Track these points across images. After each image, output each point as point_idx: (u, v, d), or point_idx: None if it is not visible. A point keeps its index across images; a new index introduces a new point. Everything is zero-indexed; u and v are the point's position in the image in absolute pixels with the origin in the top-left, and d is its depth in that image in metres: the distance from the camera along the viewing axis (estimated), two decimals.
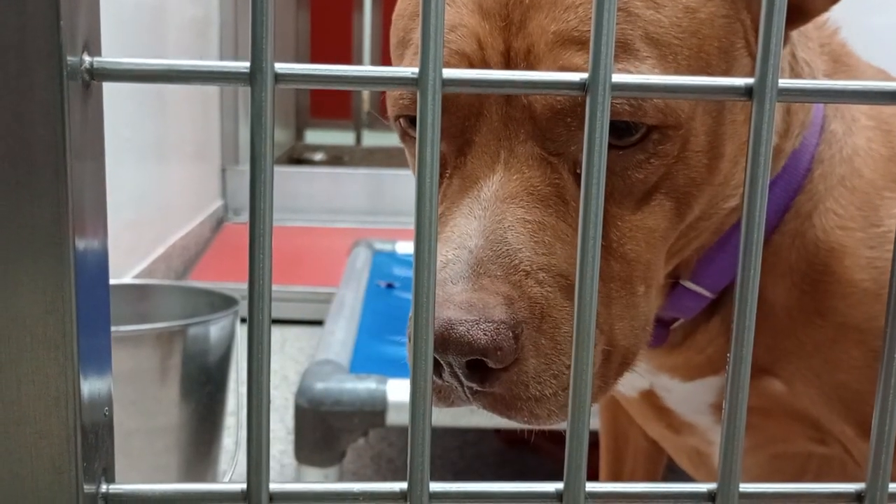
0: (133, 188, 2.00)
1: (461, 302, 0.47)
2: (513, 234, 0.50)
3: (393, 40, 0.60)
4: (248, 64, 0.31)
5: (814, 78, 0.65)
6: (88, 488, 0.33)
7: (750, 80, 0.33)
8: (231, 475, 1.32)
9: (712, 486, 0.35)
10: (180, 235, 2.46)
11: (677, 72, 0.52)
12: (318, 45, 4.49)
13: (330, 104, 4.62)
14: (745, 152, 0.57)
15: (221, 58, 3.01)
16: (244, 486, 0.34)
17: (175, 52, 2.42)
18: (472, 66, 0.52)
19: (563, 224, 0.52)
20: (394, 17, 0.61)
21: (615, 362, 0.55)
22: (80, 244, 0.31)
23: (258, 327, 0.33)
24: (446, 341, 0.47)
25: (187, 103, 2.64)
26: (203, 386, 1.15)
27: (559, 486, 0.35)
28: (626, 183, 0.53)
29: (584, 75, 0.33)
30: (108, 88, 0.34)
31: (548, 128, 0.52)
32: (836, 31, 0.71)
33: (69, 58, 0.30)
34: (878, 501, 0.36)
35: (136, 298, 1.30)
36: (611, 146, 0.52)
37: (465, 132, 0.54)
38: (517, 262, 0.49)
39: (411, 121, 0.59)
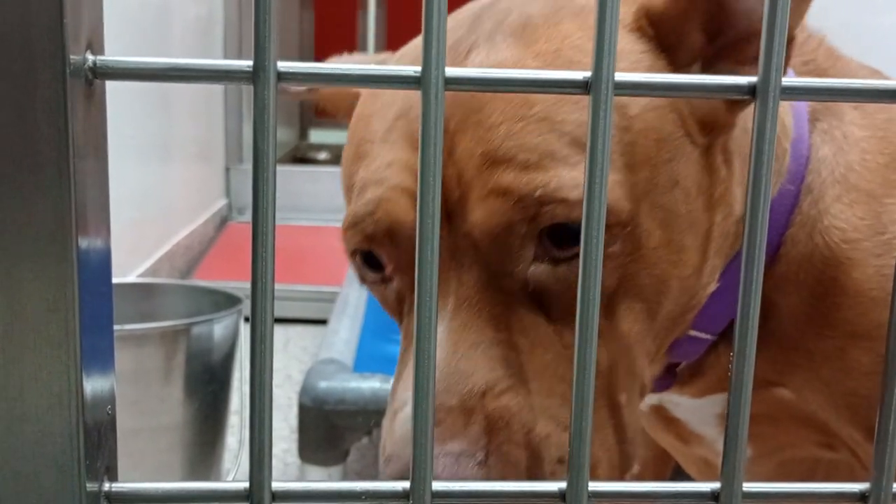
0: (137, 187, 2.00)
1: None
2: (465, 361, 0.49)
3: (342, 185, 0.62)
4: (250, 62, 0.31)
5: (783, 129, 0.64)
6: (91, 487, 0.33)
7: (753, 79, 0.33)
8: (235, 474, 1.32)
9: (716, 485, 0.35)
10: (184, 234, 2.46)
11: (613, 168, 0.51)
12: (322, 44, 4.49)
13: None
14: (711, 240, 0.58)
15: (226, 56, 3.01)
16: (247, 484, 0.34)
17: (179, 50, 2.42)
18: (411, 198, 0.52)
19: (517, 336, 0.51)
20: (341, 164, 0.62)
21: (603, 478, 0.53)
22: (83, 243, 0.31)
23: (261, 326, 0.33)
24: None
25: (191, 102, 2.65)
26: (207, 385, 1.15)
27: (562, 485, 0.35)
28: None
29: (587, 74, 0.33)
30: (112, 87, 0.34)
31: (490, 251, 0.51)
32: (821, 41, 0.71)
33: (72, 56, 0.30)
34: (881, 501, 0.36)
35: (139, 297, 1.30)
36: (557, 259, 0.51)
37: (412, 265, 0.54)
38: (471, 387, 0.48)
39: (367, 260, 0.58)
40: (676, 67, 0.56)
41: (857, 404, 0.65)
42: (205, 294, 1.30)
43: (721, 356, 0.68)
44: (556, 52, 0.53)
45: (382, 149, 0.55)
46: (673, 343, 0.64)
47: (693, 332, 0.66)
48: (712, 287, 0.60)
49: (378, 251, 0.56)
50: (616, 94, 0.32)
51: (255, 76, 0.31)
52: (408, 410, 0.49)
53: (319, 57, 4.35)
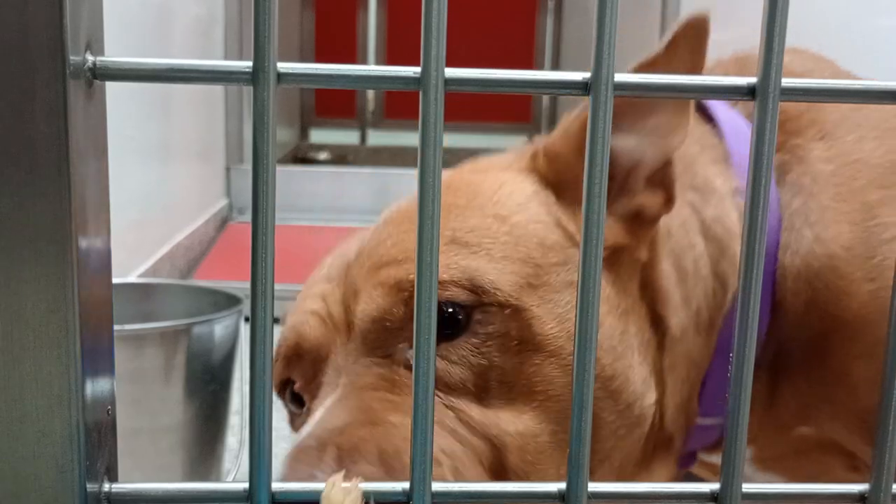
0: (137, 187, 2.00)
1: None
2: (332, 417, 0.52)
3: None
4: (250, 63, 0.31)
5: (728, 233, 0.65)
6: (91, 487, 0.33)
7: (752, 80, 0.33)
8: (235, 474, 1.32)
9: (715, 486, 0.35)
10: (185, 234, 2.46)
11: (491, 259, 0.55)
12: (322, 44, 4.49)
13: (335, 103, 4.62)
14: (631, 348, 0.59)
15: (226, 57, 3.01)
16: (247, 485, 0.34)
17: (180, 51, 2.42)
18: (321, 319, 0.58)
19: (393, 396, 0.53)
20: None
21: None
22: (83, 243, 0.31)
23: (261, 326, 0.33)
24: None
25: (191, 103, 2.65)
26: (207, 385, 1.15)
27: (562, 486, 0.35)
28: (474, 374, 0.54)
29: (587, 75, 0.33)
30: (112, 88, 0.34)
31: (373, 337, 0.55)
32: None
33: (72, 57, 0.30)
34: (881, 502, 0.36)
35: (140, 297, 1.30)
36: (443, 337, 0.54)
37: (316, 376, 0.57)
38: (330, 427, 0.51)
39: (294, 397, 0.62)
40: (568, 206, 0.60)
41: (870, 422, 0.65)
42: (205, 294, 1.30)
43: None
44: (455, 177, 0.62)
45: (308, 289, 0.61)
46: (689, 436, 0.66)
47: (706, 421, 0.67)
48: (652, 398, 0.60)
49: (294, 375, 0.60)
50: (616, 95, 0.32)
51: (254, 77, 0.31)
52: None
53: (320, 57, 4.36)
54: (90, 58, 0.31)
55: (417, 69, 0.31)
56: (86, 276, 0.32)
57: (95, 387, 0.33)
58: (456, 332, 0.54)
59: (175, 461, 1.15)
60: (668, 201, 0.61)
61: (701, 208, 0.66)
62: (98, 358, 0.34)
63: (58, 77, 0.29)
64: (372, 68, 0.32)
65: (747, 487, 0.35)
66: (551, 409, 0.54)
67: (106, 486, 0.34)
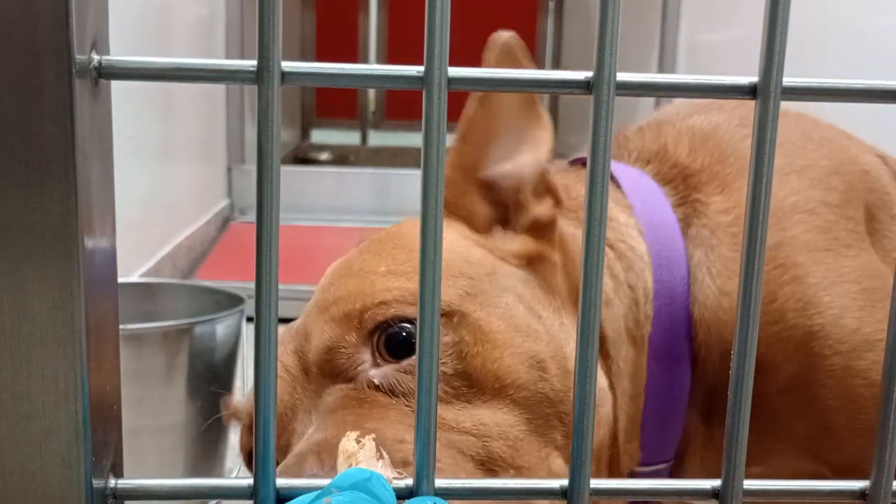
0: (139, 187, 2.00)
1: None
2: (312, 437, 0.53)
3: None
4: (255, 62, 0.31)
5: (633, 251, 0.68)
6: (97, 483, 0.33)
7: (754, 79, 0.33)
8: (237, 473, 1.32)
9: (716, 482, 0.35)
10: (186, 234, 2.47)
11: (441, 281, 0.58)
12: (323, 45, 4.49)
13: (336, 104, 4.62)
14: (568, 334, 0.60)
15: (227, 57, 3.01)
16: (251, 481, 0.34)
17: (181, 51, 2.42)
18: (284, 384, 0.58)
19: (361, 409, 0.54)
20: None
21: None
22: (89, 242, 0.32)
23: (265, 326, 0.33)
24: None
25: (193, 103, 2.65)
26: (209, 384, 1.16)
27: (564, 482, 0.35)
28: (443, 381, 0.55)
29: (589, 74, 0.33)
30: (113, 88, 0.34)
31: (330, 366, 0.57)
32: (678, 138, 0.75)
33: (78, 56, 0.30)
34: (881, 499, 0.36)
35: (142, 297, 1.30)
36: (397, 360, 0.56)
37: (291, 433, 0.58)
38: (310, 441, 0.52)
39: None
40: (479, 231, 0.64)
41: (812, 445, 0.68)
42: (207, 294, 1.30)
43: (690, 463, 0.70)
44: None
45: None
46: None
47: (642, 469, 0.68)
48: (609, 401, 0.62)
49: None
50: (618, 94, 0.33)
51: (259, 76, 0.31)
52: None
53: (321, 57, 4.35)
54: (96, 57, 0.31)
55: (421, 68, 0.32)
56: (91, 274, 0.32)
57: (101, 384, 0.33)
58: (412, 349, 0.55)
59: (177, 460, 1.15)
60: (558, 203, 0.65)
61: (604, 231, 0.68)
62: (104, 355, 0.34)
63: (64, 76, 0.30)
64: (376, 67, 0.32)
65: (748, 484, 0.35)
66: (522, 398, 0.56)
67: (112, 482, 0.34)
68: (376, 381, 0.55)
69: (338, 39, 4.53)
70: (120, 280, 0.36)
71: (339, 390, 0.56)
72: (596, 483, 0.35)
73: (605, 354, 0.64)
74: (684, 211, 0.70)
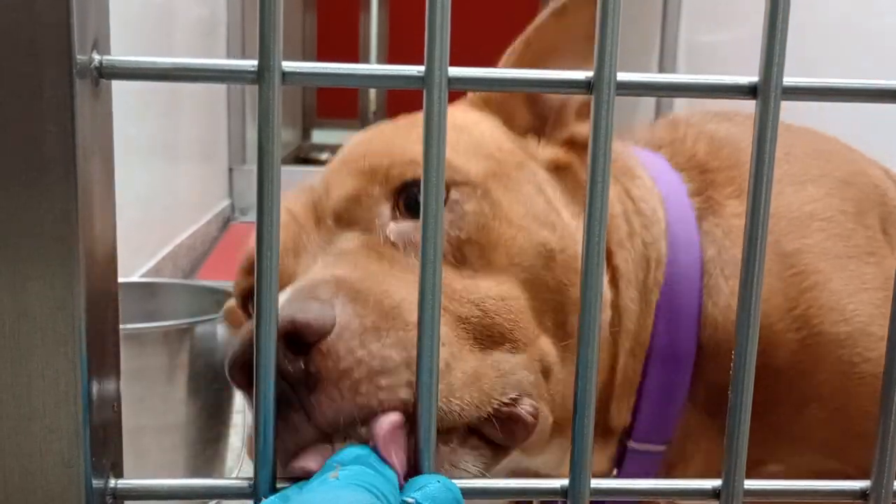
0: (140, 187, 2.00)
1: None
2: (324, 268, 0.52)
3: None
4: (255, 62, 0.31)
5: (654, 214, 0.68)
6: (97, 483, 0.33)
7: (754, 79, 0.33)
8: (237, 473, 1.32)
9: (717, 482, 0.35)
10: (187, 234, 2.47)
11: (457, 153, 0.58)
12: (324, 45, 4.49)
13: (336, 104, 4.63)
14: (577, 234, 0.60)
15: (229, 57, 3.01)
16: (251, 481, 0.34)
17: (182, 51, 2.42)
18: (285, 224, 0.57)
19: (380, 264, 0.53)
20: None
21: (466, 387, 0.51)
22: (89, 242, 0.32)
23: (265, 325, 0.33)
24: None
25: (194, 103, 2.65)
26: (210, 384, 1.16)
27: (564, 482, 0.35)
28: (454, 246, 0.55)
29: (589, 73, 0.33)
30: (116, 88, 0.34)
31: (349, 216, 0.56)
32: (697, 136, 0.74)
33: (79, 56, 0.30)
34: (882, 498, 0.36)
35: (143, 297, 1.30)
36: (416, 218, 0.55)
37: (286, 270, 0.57)
38: (326, 274, 0.50)
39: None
40: (514, 131, 0.65)
41: (836, 447, 0.67)
42: (208, 293, 1.30)
43: (691, 455, 0.69)
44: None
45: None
46: (621, 459, 0.67)
47: (640, 446, 0.68)
48: (608, 312, 0.63)
49: None
50: (618, 94, 0.33)
51: (260, 76, 0.31)
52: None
53: (322, 58, 4.35)
54: (97, 57, 0.31)
55: (421, 68, 0.32)
56: (92, 274, 0.32)
57: (101, 384, 0.33)
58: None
59: (178, 460, 1.15)
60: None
61: (629, 187, 0.69)
62: (104, 355, 0.34)
63: (65, 76, 0.30)
64: (377, 67, 0.32)
65: (749, 484, 0.35)
66: (525, 279, 0.57)
67: (112, 482, 0.34)
68: (392, 237, 0.55)
69: (339, 39, 4.53)
70: (121, 280, 0.36)
71: (354, 237, 0.55)
72: (596, 483, 0.35)
73: (613, 281, 0.64)
74: (699, 203, 0.70)
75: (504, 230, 0.56)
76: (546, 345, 0.57)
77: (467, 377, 0.49)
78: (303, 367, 0.43)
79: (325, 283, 0.48)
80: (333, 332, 0.44)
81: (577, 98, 0.66)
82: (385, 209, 0.56)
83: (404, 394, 0.44)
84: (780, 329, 0.64)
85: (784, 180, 0.69)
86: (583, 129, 0.66)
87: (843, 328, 0.64)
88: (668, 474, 0.71)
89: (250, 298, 0.62)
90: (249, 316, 0.63)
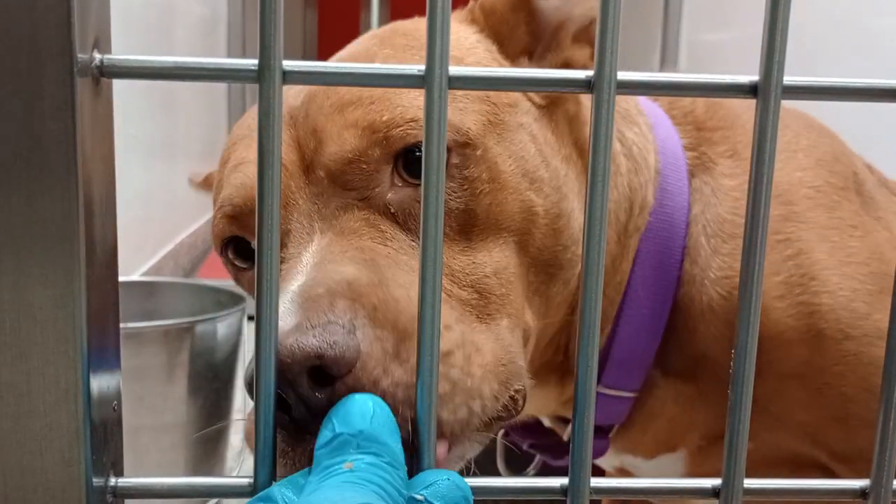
0: (141, 186, 2.00)
1: (289, 328, 0.44)
2: (331, 265, 0.50)
3: (213, 205, 0.63)
4: (256, 61, 0.31)
5: (644, 161, 0.67)
6: (97, 481, 0.33)
7: (755, 78, 0.33)
8: (238, 472, 1.32)
9: (716, 481, 0.36)
10: (188, 233, 2.47)
11: (453, 97, 0.57)
12: (325, 44, 4.49)
13: None
14: (576, 194, 0.60)
15: (229, 56, 3.01)
16: (251, 479, 0.34)
17: (183, 50, 2.42)
18: (284, 167, 0.55)
19: (384, 248, 0.52)
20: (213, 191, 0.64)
21: (489, 381, 0.51)
22: (90, 240, 0.32)
23: (266, 324, 0.33)
24: (279, 364, 0.42)
25: (194, 101, 2.65)
26: (210, 383, 1.16)
27: (564, 481, 0.35)
28: (452, 217, 0.54)
29: (590, 73, 0.33)
30: (116, 87, 0.34)
31: (346, 178, 0.54)
32: (692, 101, 0.74)
33: (80, 55, 0.30)
34: (882, 498, 0.36)
35: (143, 295, 1.30)
36: (417, 185, 0.53)
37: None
38: (338, 277, 0.48)
39: (238, 248, 0.60)
40: (507, 56, 0.63)
41: (812, 431, 0.66)
42: (208, 292, 1.30)
43: (657, 414, 0.69)
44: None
45: (240, 150, 0.59)
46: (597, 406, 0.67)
47: (605, 390, 0.68)
48: (577, 249, 0.62)
49: (242, 231, 0.58)
50: (618, 93, 0.33)
51: (260, 75, 0.31)
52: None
53: (322, 57, 4.35)
54: (97, 56, 0.31)
55: (422, 67, 0.32)
56: (93, 273, 0.32)
57: (102, 382, 0.33)
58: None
59: (178, 459, 1.15)
60: (594, 56, 0.64)
61: (622, 130, 0.68)
62: (104, 354, 0.34)
63: (66, 75, 0.30)
64: (376, 66, 0.32)
65: (749, 483, 0.35)
66: (514, 243, 0.56)
67: (112, 480, 0.34)
68: (392, 208, 0.53)
69: (340, 39, 4.53)
70: (121, 278, 0.36)
71: (351, 206, 0.53)
72: (596, 482, 0.35)
73: None
74: (692, 159, 0.70)
75: (496, 194, 0.55)
76: (528, 315, 0.57)
77: (485, 370, 0.49)
78: (326, 397, 0.43)
79: (340, 294, 0.46)
80: (358, 363, 0.43)
81: (577, 20, 0.63)
82: (384, 174, 0.54)
83: (469, 402, 0.46)
84: (766, 297, 0.64)
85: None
86: (579, 54, 0.63)
87: (826, 300, 0.64)
88: (627, 430, 0.71)
89: (229, 245, 0.60)
90: (234, 266, 0.61)
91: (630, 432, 0.71)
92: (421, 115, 0.53)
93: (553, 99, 0.62)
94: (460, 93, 0.57)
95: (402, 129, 0.53)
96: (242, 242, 0.59)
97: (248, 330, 1.22)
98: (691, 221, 0.67)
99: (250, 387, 0.42)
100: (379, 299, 0.47)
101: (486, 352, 0.50)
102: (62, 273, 0.31)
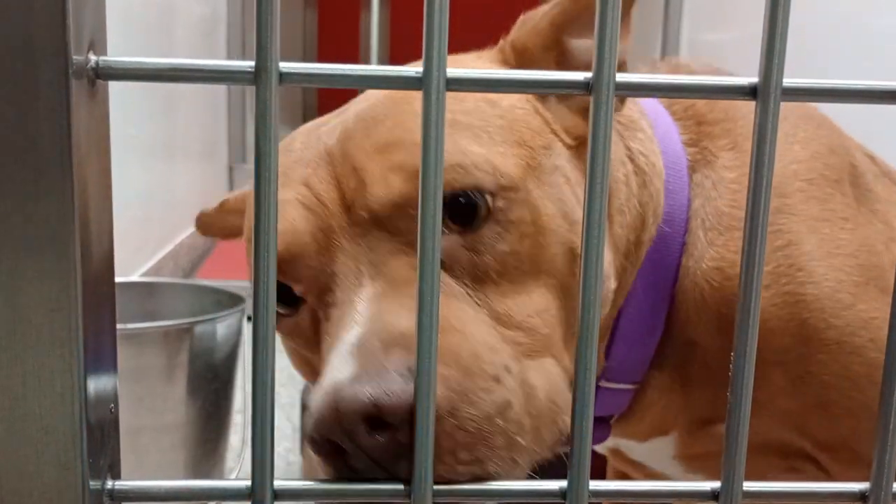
0: (140, 186, 2.00)
1: (346, 378, 0.45)
2: (388, 315, 0.49)
3: (247, 250, 0.63)
4: (252, 63, 0.31)
5: (652, 168, 0.67)
6: (94, 484, 0.33)
7: (754, 80, 0.33)
8: (237, 473, 1.32)
9: (715, 484, 0.35)
10: (188, 233, 2.47)
11: (494, 143, 0.56)
12: (325, 44, 4.49)
13: (336, 103, 4.61)
14: (605, 231, 0.60)
15: (229, 57, 3.01)
16: (249, 482, 0.34)
17: (183, 51, 2.42)
18: (309, 209, 0.55)
19: (447, 309, 0.52)
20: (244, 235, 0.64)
21: (545, 425, 0.52)
22: (86, 242, 0.32)
23: (263, 325, 0.33)
24: (336, 413, 0.43)
25: (195, 102, 2.65)
26: (210, 383, 1.16)
27: (563, 483, 0.35)
28: (498, 261, 0.54)
29: (588, 75, 0.33)
30: (115, 87, 0.34)
31: (393, 223, 0.53)
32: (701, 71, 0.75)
33: (75, 57, 0.30)
34: (881, 501, 0.36)
35: (143, 296, 1.30)
36: (463, 231, 0.54)
37: (324, 274, 0.54)
38: (394, 329, 0.48)
39: (278, 294, 0.59)
40: (538, 96, 0.62)
41: (797, 419, 0.67)
42: (208, 293, 1.30)
43: (654, 403, 0.70)
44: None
45: (280, 192, 0.58)
46: (597, 400, 0.68)
47: (611, 385, 0.69)
48: (613, 285, 0.63)
49: (288, 279, 0.57)
50: (617, 94, 0.33)
51: (257, 77, 0.31)
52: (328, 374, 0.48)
53: (322, 57, 4.36)
54: (93, 58, 0.31)
55: (419, 69, 0.32)
56: (89, 275, 0.32)
57: (98, 384, 0.33)
58: (476, 220, 0.54)
59: (177, 459, 1.15)
60: (623, 99, 0.64)
61: (627, 138, 0.68)
62: (101, 356, 0.34)
63: (61, 77, 0.29)
64: (374, 68, 0.32)
65: (748, 486, 0.35)
66: (555, 286, 0.56)
67: (109, 484, 0.34)
68: (442, 256, 0.52)
69: (339, 38, 4.53)
70: (121, 279, 0.36)
71: (399, 252, 0.53)
72: (595, 485, 0.35)
73: (609, 246, 0.64)
74: (693, 154, 0.70)
75: (538, 237, 0.55)
76: (567, 358, 0.57)
77: (539, 417, 0.50)
78: (386, 440, 0.42)
79: (396, 344, 0.46)
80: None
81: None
82: None
83: (519, 456, 0.46)
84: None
85: None
86: None
87: (811, 290, 0.64)
88: (626, 418, 0.72)
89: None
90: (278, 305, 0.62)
91: (629, 420, 0.73)
92: (466, 159, 0.54)
93: (582, 139, 0.62)
94: (498, 137, 0.57)
95: (448, 175, 0.53)
96: (283, 288, 0.58)
97: (248, 331, 1.22)
98: (691, 216, 0.68)
99: (311, 444, 0.43)
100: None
101: (539, 394, 0.51)
102: (58, 275, 0.31)
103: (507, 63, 0.64)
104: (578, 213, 0.58)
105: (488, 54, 0.65)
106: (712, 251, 0.66)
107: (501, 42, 0.65)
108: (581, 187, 0.60)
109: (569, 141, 0.61)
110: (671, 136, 0.70)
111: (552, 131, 0.61)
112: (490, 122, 0.57)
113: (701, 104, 0.72)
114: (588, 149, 0.33)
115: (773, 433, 0.68)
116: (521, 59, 0.63)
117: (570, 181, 0.59)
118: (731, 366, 0.35)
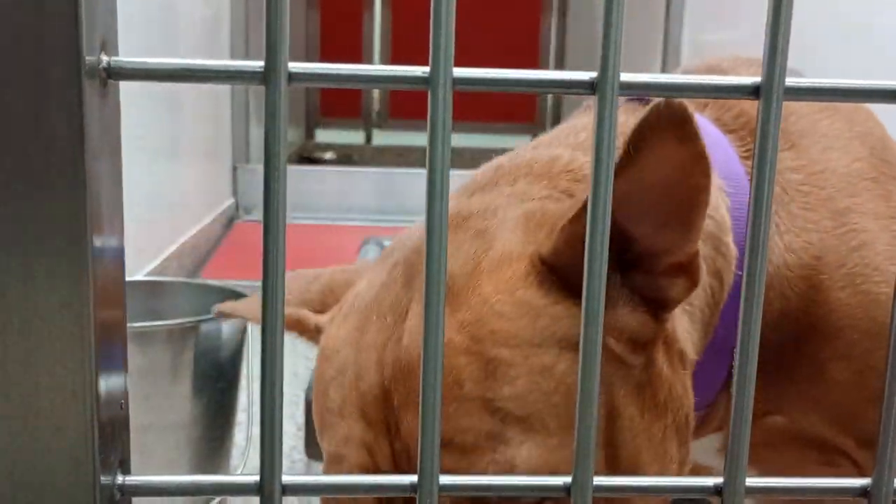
0: (145, 186, 2.01)
1: None
2: None
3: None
4: (262, 63, 0.31)
5: (719, 226, 0.63)
6: (105, 480, 0.33)
7: (757, 79, 0.33)
8: (242, 471, 1.32)
9: (718, 479, 0.36)
10: (192, 233, 2.47)
11: (550, 436, 0.50)
12: (327, 44, 4.49)
13: (340, 103, 4.63)
14: (666, 440, 0.55)
15: (232, 58, 3.01)
16: (257, 477, 0.34)
17: (185, 52, 2.42)
18: (367, 472, 0.54)
19: None
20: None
21: None
22: (97, 240, 0.32)
23: (272, 321, 0.33)
24: None
25: (198, 103, 2.65)
26: (215, 382, 1.16)
27: (567, 479, 0.35)
28: None
29: (593, 74, 0.33)
30: (121, 88, 0.35)
31: None
32: (733, 67, 0.72)
33: (87, 57, 0.30)
34: (883, 496, 0.36)
35: (148, 295, 1.31)
36: None
37: None
38: None
39: None
40: (572, 294, 0.53)
41: (844, 415, 0.68)
42: (212, 292, 1.31)
43: (718, 412, 0.70)
44: (479, 322, 0.53)
45: (340, 423, 0.56)
46: None
47: None
48: (692, 355, 0.61)
49: None
50: (620, 94, 0.33)
51: (266, 77, 0.31)
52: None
53: (325, 58, 4.36)
54: (105, 58, 0.32)
55: (426, 69, 0.32)
56: (100, 273, 0.32)
57: (109, 382, 0.34)
58: None
59: (183, 458, 1.16)
60: (692, 286, 0.55)
61: None
62: (112, 353, 0.34)
63: (73, 77, 0.30)
64: (382, 68, 0.32)
65: (751, 481, 0.36)
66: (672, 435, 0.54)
67: (119, 479, 0.35)
68: None
69: (342, 38, 4.54)
70: (126, 278, 0.36)
71: None
72: (598, 480, 0.35)
73: (692, 324, 0.61)
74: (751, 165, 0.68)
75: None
76: None
77: None
78: None
79: None
80: None
81: (679, 253, 0.53)
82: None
83: None
84: (828, 286, 0.65)
85: (830, 134, 0.69)
86: (672, 283, 0.54)
87: (885, 289, 0.65)
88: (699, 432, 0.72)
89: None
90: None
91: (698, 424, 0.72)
92: (516, 472, 0.49)
93: (646, 342, 0.55)
94: (554, 423, 0.50)
95: None
96: None
97: (253, 330, 1.23)
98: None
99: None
100: None
101: None
102: (70, 273, 0.31)
103: (542, 280, 0.54)
104: (646, 456, 0.51)
105: (516, 269, 0.55)
106: (792, 258, 0.65)
107: (528, 259, 0.55)
108: (649, 407, 0.54)
109: (636, 360, 0.54)
110: (731, 159, 0.66)
111: (617, 362, 0.54)
112: (545, 400, 0.51)
113: (748, 108, 0.68)
114: (590, 148, 0.33)
115: (816, 428, 0.68)
116: (559, 268, 0.53)
117: (633, 419, 0.53)
118: (734, 360, 0.36)
